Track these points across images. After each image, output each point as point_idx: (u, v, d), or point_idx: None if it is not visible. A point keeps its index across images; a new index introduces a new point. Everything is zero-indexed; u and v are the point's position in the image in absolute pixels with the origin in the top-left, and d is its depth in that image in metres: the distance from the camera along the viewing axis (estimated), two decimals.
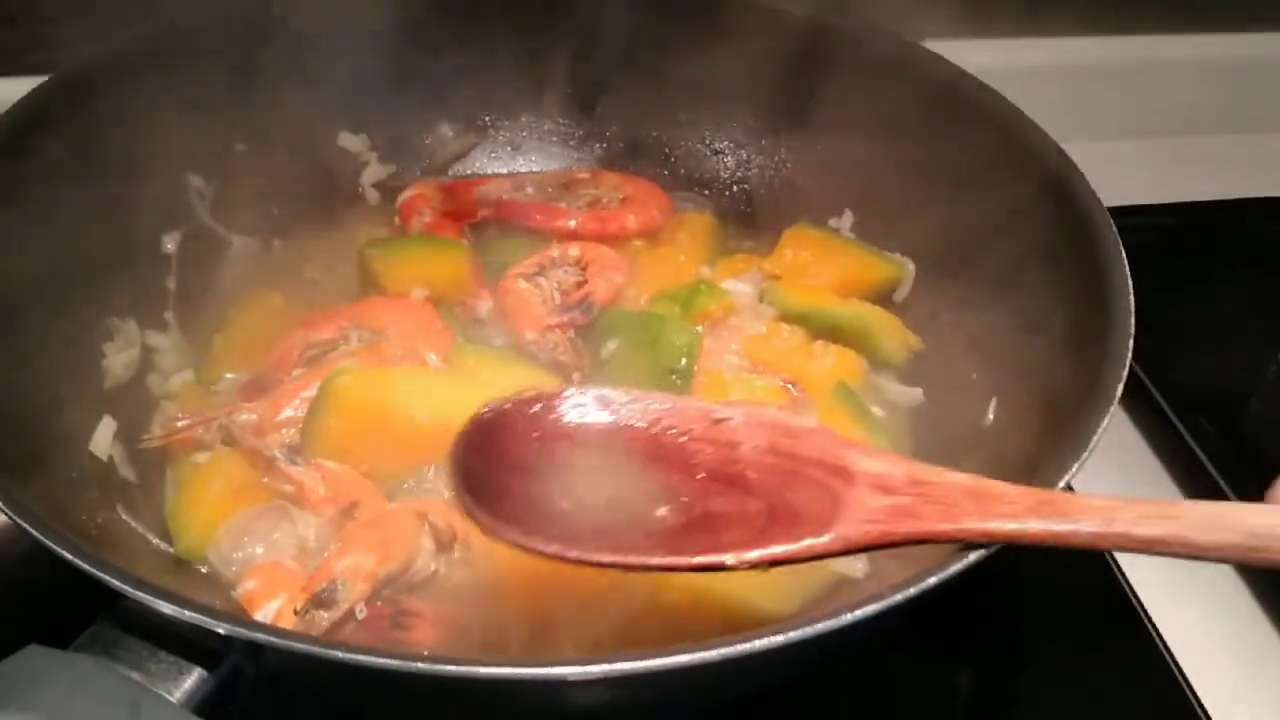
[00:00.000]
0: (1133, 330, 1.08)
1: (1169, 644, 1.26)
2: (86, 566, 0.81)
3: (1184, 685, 1.23)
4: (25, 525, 0.84)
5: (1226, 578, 1.38)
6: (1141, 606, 1.30)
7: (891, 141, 1.48)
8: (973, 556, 0.86)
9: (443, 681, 0.77)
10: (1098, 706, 1.22)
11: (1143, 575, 1.32)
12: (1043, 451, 1.04)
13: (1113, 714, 1.22)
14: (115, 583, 0.81)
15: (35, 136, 1.22)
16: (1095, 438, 0.97)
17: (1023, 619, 1.31)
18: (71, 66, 1.30)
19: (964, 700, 1.24)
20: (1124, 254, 1.17)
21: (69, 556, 0.83)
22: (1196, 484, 1.44)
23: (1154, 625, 1.28)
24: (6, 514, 0.85)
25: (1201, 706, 1.21)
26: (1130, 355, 1.06)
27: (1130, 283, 1.14)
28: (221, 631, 0.80)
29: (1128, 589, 1.31)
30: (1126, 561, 1.34)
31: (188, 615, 0.80)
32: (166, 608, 0.80)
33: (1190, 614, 1.32)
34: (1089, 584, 1.32)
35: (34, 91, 1.26)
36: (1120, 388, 1.02)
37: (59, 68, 1.29)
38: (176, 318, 1.36)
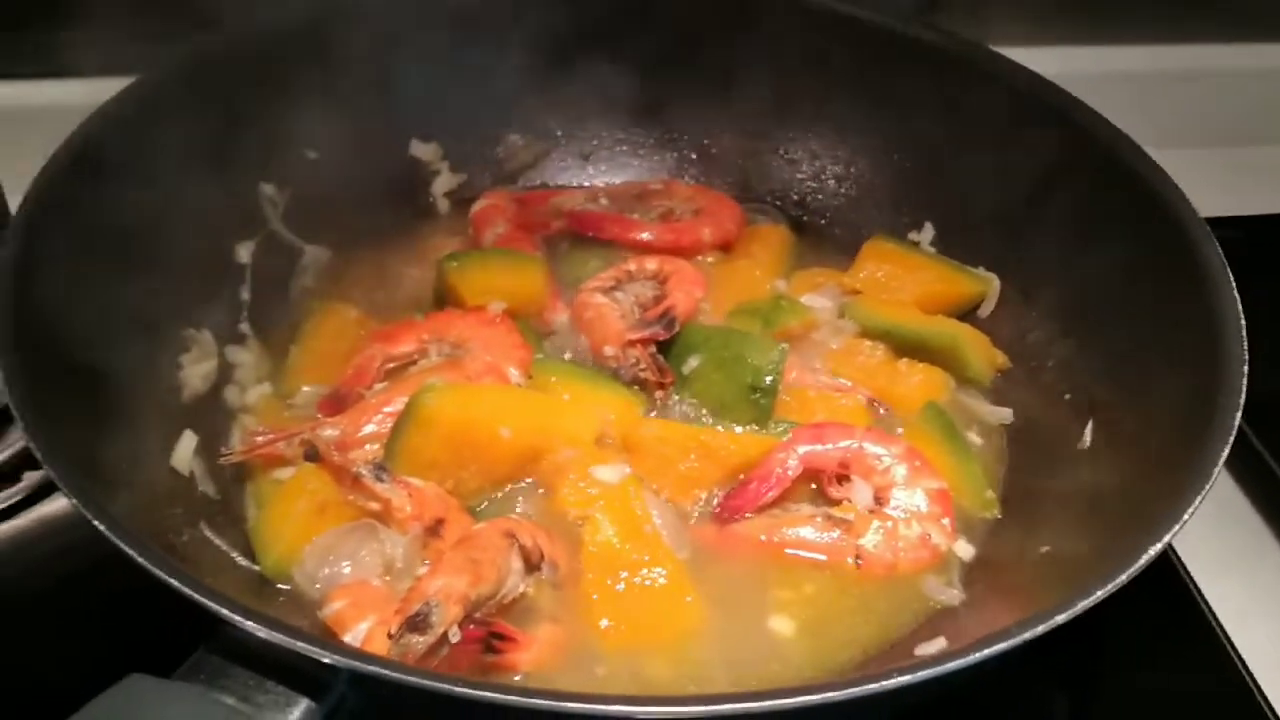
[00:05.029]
0: (1246, 357, 1.05)
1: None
2: (197, 596, 0.80)
3: None
4: (133, 554, 0.82)
5: None
6: None
7: (972, 153, 1.45)
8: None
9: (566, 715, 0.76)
10: None
11: None
12: (1152, 490, 1.01)
13: None
14: (224, 611, 0.80)
15: (104, 147, 1.21)
16: (1214, 473, 0.94)
17: None
18: (138, 80, 1.29)
19: None
20: (1230, 275, 1.14)
21: (176, 584, 0.81)
22: None
23: None
24: (115, 543, 0.83)
25: None
26: (1245, 383, 1.03)
27: (1239, 306, 1.11)
28: (333, 662, 0.79)
29: None
30: None
31: (300, 646, 0.78)
32: (278, 637, 0.79)
33: None
34: None
35: (105, 105, 1.24)
36: (1238, 418, 0.99)
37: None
38: (252, 329, 1.35)
